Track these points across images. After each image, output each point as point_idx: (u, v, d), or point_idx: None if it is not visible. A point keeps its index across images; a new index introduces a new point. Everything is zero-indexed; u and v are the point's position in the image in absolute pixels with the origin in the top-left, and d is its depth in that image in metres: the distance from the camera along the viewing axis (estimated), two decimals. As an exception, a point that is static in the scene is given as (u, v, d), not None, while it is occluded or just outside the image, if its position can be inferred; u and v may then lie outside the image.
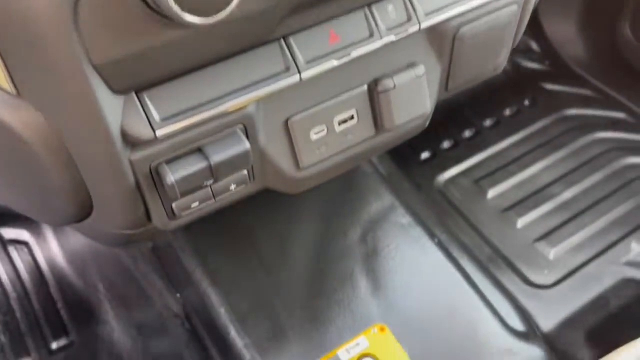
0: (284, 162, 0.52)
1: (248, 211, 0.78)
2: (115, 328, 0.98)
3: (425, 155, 1.17)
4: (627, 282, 0.98)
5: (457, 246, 0.87)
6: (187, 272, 0.75)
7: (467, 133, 1.22)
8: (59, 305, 1.02)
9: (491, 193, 1.11)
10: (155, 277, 0.87)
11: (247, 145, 0.46)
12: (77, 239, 1.03)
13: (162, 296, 0.86)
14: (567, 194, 1.11)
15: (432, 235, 0.81)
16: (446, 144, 1.20)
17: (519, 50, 1.31)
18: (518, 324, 0.77)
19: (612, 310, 0.95)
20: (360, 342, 0.66)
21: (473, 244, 0.98)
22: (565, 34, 1.29)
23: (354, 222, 0.79)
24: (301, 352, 0.67)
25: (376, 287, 0.73)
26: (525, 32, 0.68)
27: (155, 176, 0.46)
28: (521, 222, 1.06)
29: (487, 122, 1.24)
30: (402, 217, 0.81)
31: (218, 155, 0.45)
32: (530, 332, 0.77)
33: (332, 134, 0.53)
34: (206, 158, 0.45)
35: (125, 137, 0.43)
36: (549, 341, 0.85)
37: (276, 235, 0.77)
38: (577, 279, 0.98)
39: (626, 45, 1.27)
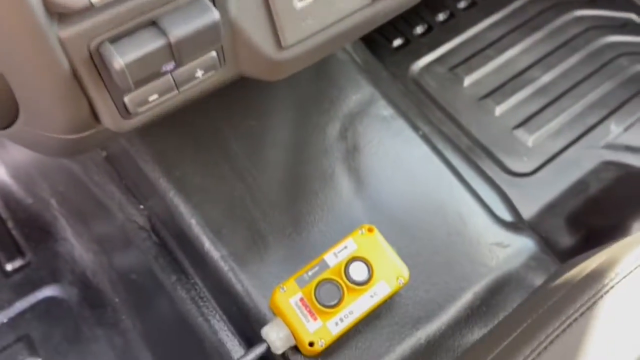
0: (262, 39, 0.42)
1: (212, 108, 0.69)
2: (75, 245, 0.92)
3: (397, 42, 1.09)
4: (606, 165, 0.97)
5: (440, 138, 0.81)
6: (150, 181, 0.67)
7: (441, 16, 1.14)
8: (9, 225, 0.95)
9: (467, 81, 1.06)
10: (113, 188, 0.79)
11: (215, 14, 0.37)
12: (19, 152, 0.93)
13: (123, 208, 0.78)
14: (546, 78, 1.07)
15: (415, 127, 0.74)
16: (419, 29, 1.12)
17: None
18: (507, 215, 0.74)
19: (592, 194, 0.94)
20: (348, 245, 0.61)
21: (451, 134, 0.94)
22: None
23: (332, 116, 0.71)
24: (284, 260, 0.62)
25: (360, 186, 0.68)
26: None
27: (98, 60, 0.36)
28: (499, 110, 1.03)
29: (462, 4, 1.15)
30: (384, 110, 0.73)
31: (179, 29, 0.35)
32: (519, 222, 0.74)
33: (320, 2, 0.43)
34: (163, 33, 0.35)
35: (49, 5, 0.32)
36: (531, 228, 0.83)
37: (246, 134, 0.69)
38: (557, 165, 0.97)
39: None
